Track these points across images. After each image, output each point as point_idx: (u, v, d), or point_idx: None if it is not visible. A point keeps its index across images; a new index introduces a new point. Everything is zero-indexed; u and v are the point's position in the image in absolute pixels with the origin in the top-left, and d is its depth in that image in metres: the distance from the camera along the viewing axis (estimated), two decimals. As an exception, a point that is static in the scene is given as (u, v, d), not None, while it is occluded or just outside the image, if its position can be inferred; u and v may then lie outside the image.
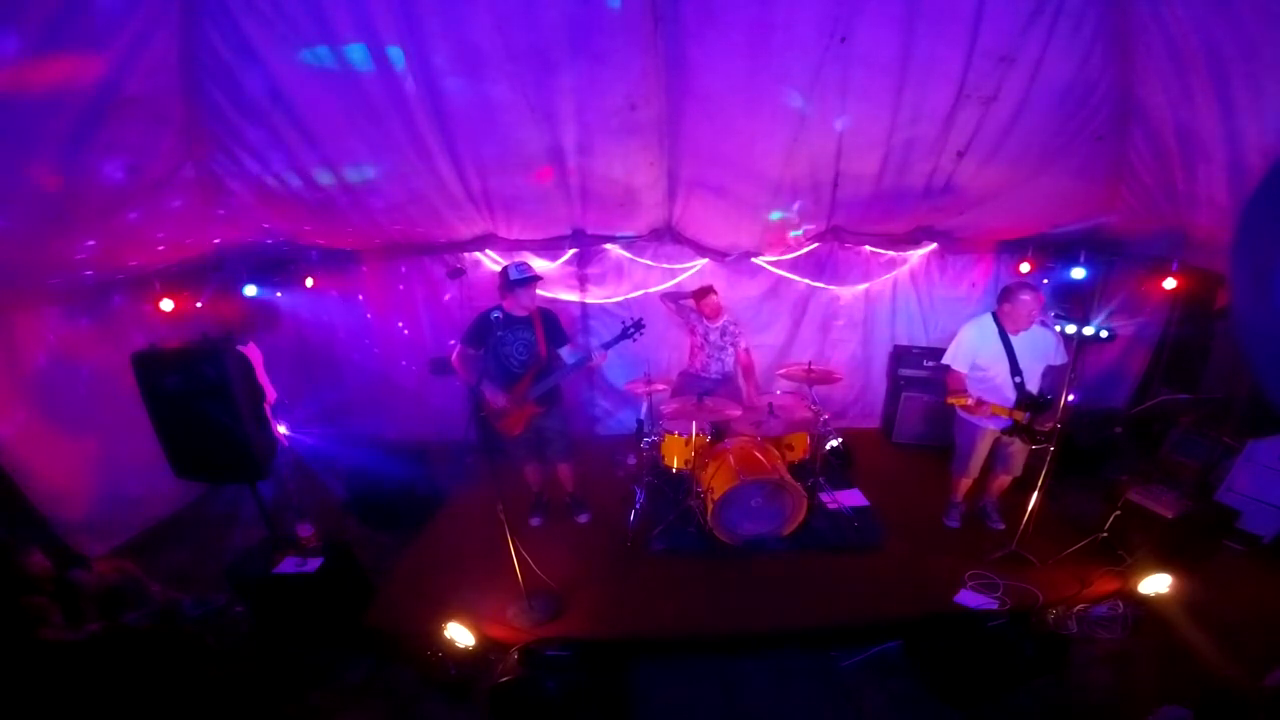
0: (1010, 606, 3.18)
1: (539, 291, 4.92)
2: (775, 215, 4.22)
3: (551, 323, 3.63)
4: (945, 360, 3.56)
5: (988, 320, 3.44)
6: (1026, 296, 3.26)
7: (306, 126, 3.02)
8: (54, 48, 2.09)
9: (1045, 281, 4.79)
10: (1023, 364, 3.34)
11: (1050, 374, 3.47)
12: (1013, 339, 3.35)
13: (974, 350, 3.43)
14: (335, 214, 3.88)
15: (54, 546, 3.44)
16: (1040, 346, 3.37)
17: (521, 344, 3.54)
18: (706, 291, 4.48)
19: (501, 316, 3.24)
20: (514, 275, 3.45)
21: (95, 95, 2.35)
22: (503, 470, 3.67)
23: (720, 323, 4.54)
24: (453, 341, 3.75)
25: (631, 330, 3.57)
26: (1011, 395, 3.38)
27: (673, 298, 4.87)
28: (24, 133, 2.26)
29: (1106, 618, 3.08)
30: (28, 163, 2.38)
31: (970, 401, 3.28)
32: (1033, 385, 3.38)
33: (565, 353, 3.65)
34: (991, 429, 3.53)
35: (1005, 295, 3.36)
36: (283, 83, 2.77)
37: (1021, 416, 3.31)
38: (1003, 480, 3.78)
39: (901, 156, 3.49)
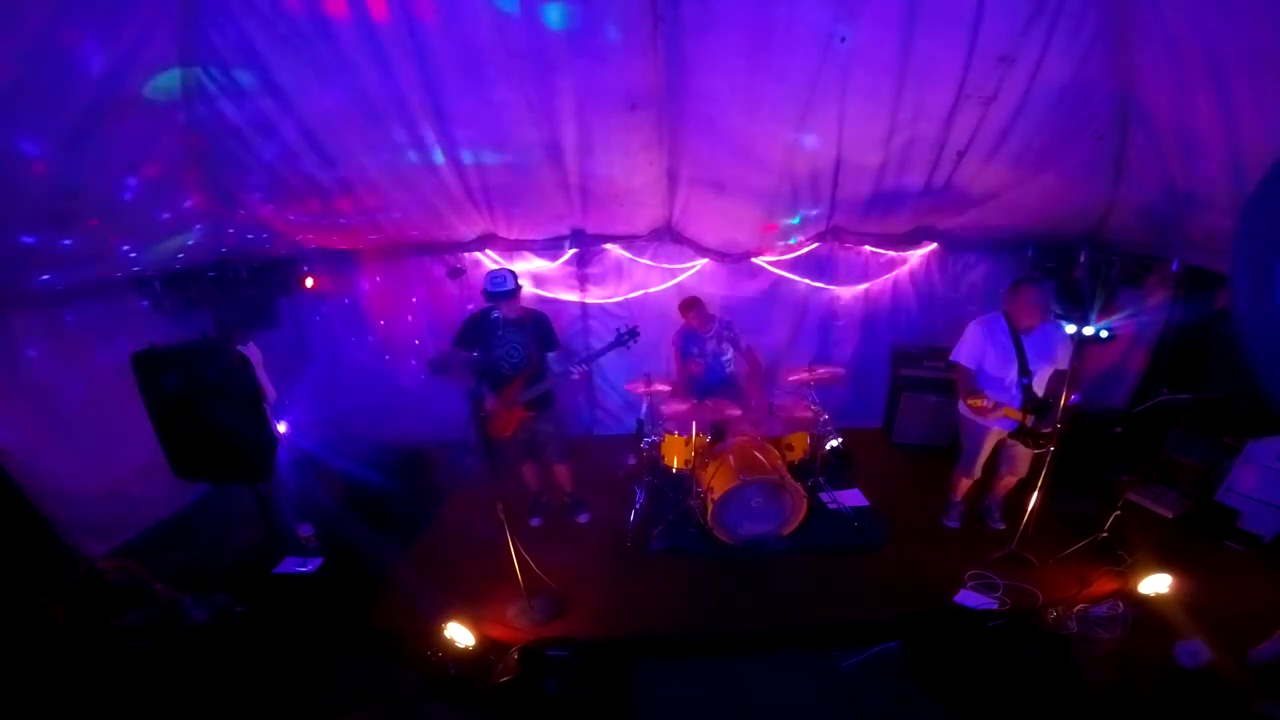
0: (1010, 606, 3.18)
1: (538, 292, 4.97)
2: (775, 214, 4.22)
3: (543, 327, 3.58)
4: (953, 357, 3.54)
5: (998, 318, 3.42)
6: (1030, 287, 3.29)
7: (306, 126, 3.02)
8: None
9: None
10: (1032, 365, 3.32)
11: (1053, 378, 3.46)
12: (1024, 338, 3.33)
13: (982, 347, 3.41)
14: (335, 214, 3.87)
15: (54, 546, 3.44)
16: (1050, 347, 3.34)
17: (513, 346, 3.50)
18: (691, 304, 4.35)
19: (500, 317, 3.24)
20: (490, 288, 3.36)
21: (95, 93, 2.36)
22: (502, 470, 3.66)
23: (712, 330, 4.46)
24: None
25: (626, 337, 3.49)
26: (1017, 395, 3.36)
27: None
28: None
29: (1106, 618, 3.08)
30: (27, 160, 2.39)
31: (987, 404, 3.23)
32: (1039, 387, 3.36)
33: (551, 359, 3.59)
34: (997, 430, 3.51)
35: (1011, 291, 3.38)
36: (282, 82, 2.77)
37: (1027, 419, 3.30)
38: (1008, 481, 3.76)
39: (901, 156, 3.48)
